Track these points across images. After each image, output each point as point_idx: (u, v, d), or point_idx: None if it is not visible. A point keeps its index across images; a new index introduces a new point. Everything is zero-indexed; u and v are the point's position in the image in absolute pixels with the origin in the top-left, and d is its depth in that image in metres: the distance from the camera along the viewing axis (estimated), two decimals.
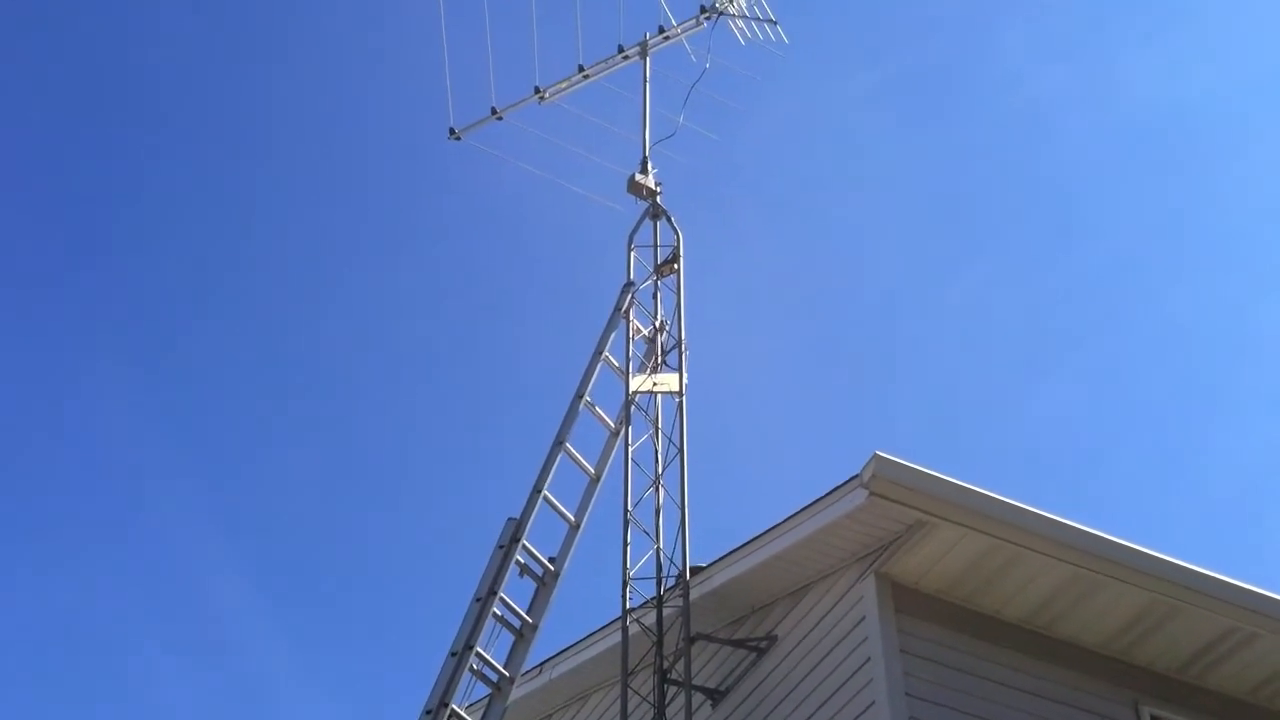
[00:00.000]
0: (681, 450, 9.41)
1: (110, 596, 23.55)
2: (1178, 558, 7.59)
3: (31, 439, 23.88)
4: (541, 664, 10.10)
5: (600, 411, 9.48)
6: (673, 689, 8.32)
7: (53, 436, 24.16)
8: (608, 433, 9.43)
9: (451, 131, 12.04)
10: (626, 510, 9.12)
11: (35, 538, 23.86)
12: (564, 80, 12.17)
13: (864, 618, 7.42)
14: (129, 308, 24.05)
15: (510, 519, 8.42)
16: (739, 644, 8.36)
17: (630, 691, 8.41)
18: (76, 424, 24.28)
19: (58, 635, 23.57)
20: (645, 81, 12.18)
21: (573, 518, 8.74)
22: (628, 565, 8.88)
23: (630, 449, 9.42)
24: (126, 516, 24.31)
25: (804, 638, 7.88)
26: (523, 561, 8.25)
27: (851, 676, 7.28)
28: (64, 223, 23.45)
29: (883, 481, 7.11)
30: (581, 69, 12.20)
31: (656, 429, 9.69)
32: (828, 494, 7.52)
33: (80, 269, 23.91)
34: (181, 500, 23.71)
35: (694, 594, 8.58)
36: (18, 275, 23.13)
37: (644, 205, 11.26)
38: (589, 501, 8.93)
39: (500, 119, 12.03)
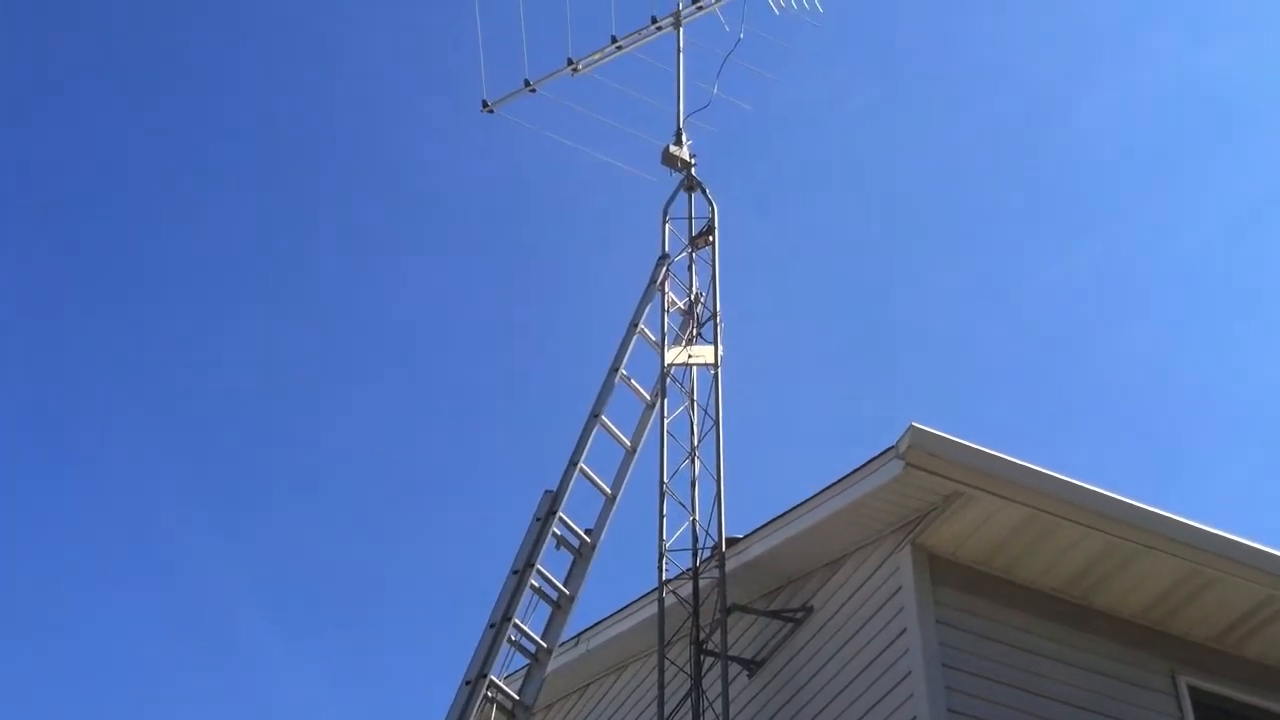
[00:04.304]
0: (717, 422, 9.43)
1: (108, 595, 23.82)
2: (1215, 526, 7.59)
3: (38, 449, 24.14)
4: (579, 635, 10.16)
5: (636, 384, 9.50)
6: (709, 659, 8.36)
7: (59, 444, 24.43)
8: (643, 405, 9.45)
9: (484, 104, 12.01)
10: (662, 482, 9.15)
11: (41, 542, 24.12)
12: (597, 51, 12.12)
13: (900, 588, 7.43)
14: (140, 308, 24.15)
15: (547, 491, 8.47)
16: (775, 615, 8.39)
17: (667, 662, 8.46)
18: (81, 434, 24.57)
19: (65, 635, 23.85)
20: (679, 52, 12.13)
21: (609, 490, 8.78)
22: (664, 537, 8.91)
23: (666, 421, 9.44)
24: (135, 522, 24.50)
25: (840, 608, 7.91)
26: (559, 534, 8.31)
27: (888, 647, 7.30)
28: (66, 220, 23.58)
29: (919, 453, 7.11)
30: (614, 40, 12.16)
31: (692, 401, 9.71)
32: (864, 465, 7.53)
33: (88, 274, 24.03)
34: (184, 500, 23.95)
35: (730, 565, 8.60)
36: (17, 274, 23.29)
37: (679, 177, 11.22)
38: (625, 473, 8.98)
39: (533, 91, 11.99)
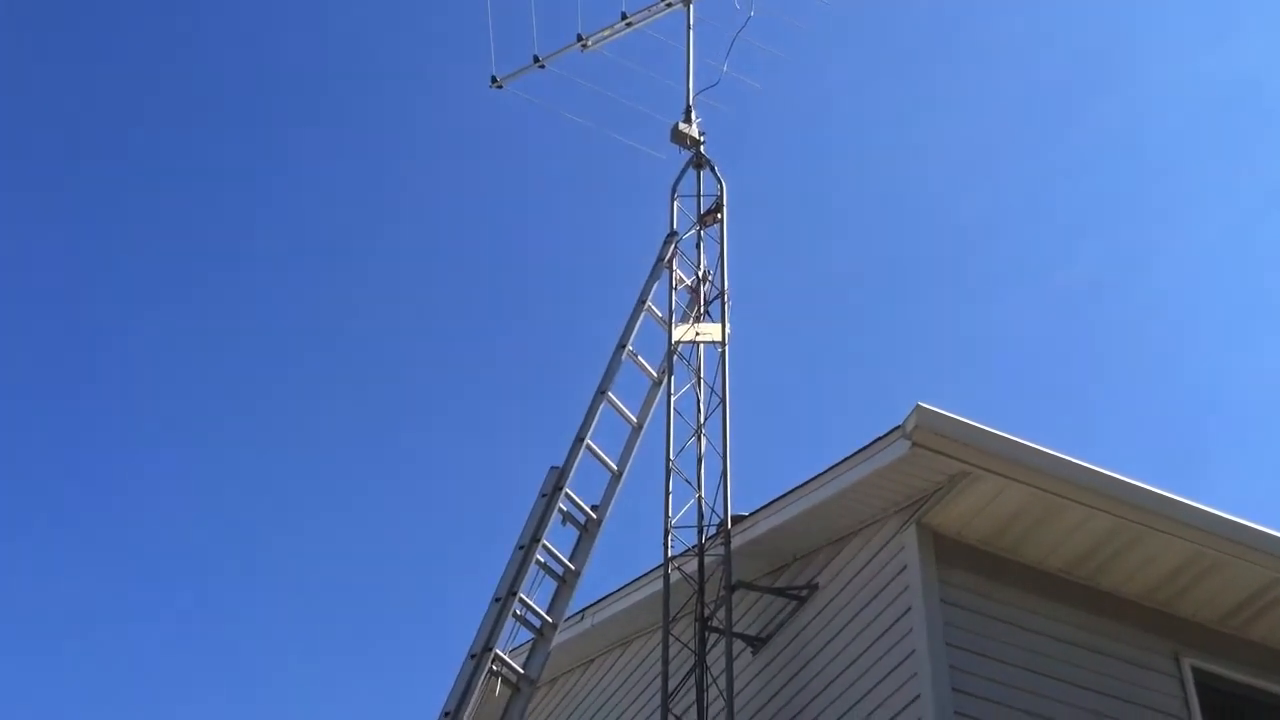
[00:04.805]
0: (723, 400, 9.42)
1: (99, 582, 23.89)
2: (1221, 509, 7.59)
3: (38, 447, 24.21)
4: (584, 610, 10.20)
5: (643, 361, 9.51)
6: (713, 636, 8.38)
7: (59, 443, 24.49)
8: (650, 382, 9.46)
9: (494, 80, 11.96)
10: (668, 459, 9.16)
11: (43, 542, 24.20)
12: (607, 28, 12.08)
13: (905, 567, 7.44)
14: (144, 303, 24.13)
15: (554, 467, 8.49)
16: (780, 592, 8.41)
17: (671, 638, 8.49)
18: (81, 432, 24.61)
19: (68, 636, 23.92)
20: (689, 29, 12.10)
21: (615, 466, 8.80)
22: (669, 514, 8.93)
23: (672, 398, 9.45)
24: (136, 521, 24.55)
25: (845, 586, 7.92)
26: (565, 509, 8.32)
27: (892, 625, 7.31)
28: (66, 219, 23.53)
29: (925, 432, 7.11)
30: (624, 16, 12.11)
31: (699, 378, 9.71)
32: (870, 444, 7.53)
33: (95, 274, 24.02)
34: (186, 499, 23.98)
35: (735, 542, 8.62)
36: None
37: (687, 155, 11.22)
38: (631, 450, 8.99)
39: (543, 67, 11.94)
